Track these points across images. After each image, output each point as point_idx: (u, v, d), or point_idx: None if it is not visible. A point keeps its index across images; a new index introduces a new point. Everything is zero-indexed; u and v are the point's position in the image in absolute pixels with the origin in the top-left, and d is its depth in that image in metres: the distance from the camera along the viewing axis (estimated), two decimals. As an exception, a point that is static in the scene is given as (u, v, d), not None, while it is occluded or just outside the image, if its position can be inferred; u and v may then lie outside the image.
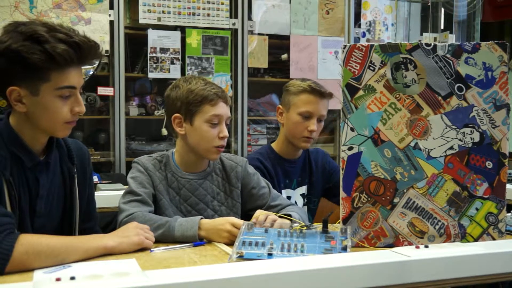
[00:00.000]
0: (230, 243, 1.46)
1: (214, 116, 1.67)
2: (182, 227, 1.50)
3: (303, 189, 2.15)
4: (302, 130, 2.03)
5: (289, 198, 2.07)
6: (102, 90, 3.49)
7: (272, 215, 1.57)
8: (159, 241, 1.48)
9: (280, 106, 2.12)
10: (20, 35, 1.28)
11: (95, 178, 2.54)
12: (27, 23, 1.31)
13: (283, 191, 2.07)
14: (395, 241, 1.48)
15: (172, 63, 3.66)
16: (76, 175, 1.51)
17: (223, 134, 1.68)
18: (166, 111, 1.78)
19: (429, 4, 4.66)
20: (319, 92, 2.02)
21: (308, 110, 2.02)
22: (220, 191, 1.77)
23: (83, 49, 1.33)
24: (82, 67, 1.39)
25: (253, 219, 1.55)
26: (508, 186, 1.55)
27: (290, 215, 1.65)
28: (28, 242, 1.19)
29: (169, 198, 1.70)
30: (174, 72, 3.67)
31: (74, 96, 1.36)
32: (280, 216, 1.62)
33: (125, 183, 1.92)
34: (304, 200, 2.15)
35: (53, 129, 1.37)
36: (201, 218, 1.54)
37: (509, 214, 1.72)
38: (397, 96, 1.48)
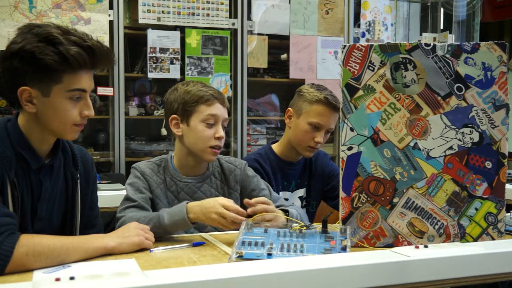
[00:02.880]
0: (220, 227, 1.49)
1: (210, 116, 1.68)
2: (170, 214, 1.51)
3: (301, 192, 2.14)
4: (309, 140, 2.02)
5: (286, 200, 2.06)
6: (102, 90, 3.49)
7: (267, 215, 1.56)
8: (157, 239, 1.48)
9: (290, 109, 2.09)
10: (34, 37, 1.29)
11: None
12: (41, 25, 1.32)
13: (280, 193, 2.07)
14: (395, 241, 1.48)
15: (172, 63, 3.66)
16: (79, 181, 1.51)
17: (219, 135, 1.68)
18: (165, 114, 1.79)
19: (429, 4, 4.66)
20: (333, 106, 2.00)
21: (319, 122, 2.00)
22: (219, 194, 1.77)
23: (96, 53, 1.34)
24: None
25: (249, 209, 1.53)
26: (507, 186, 1.56)
27: (287, 211, 1.66)
28: (29, 243, 1.19)
29: (168, 201, 1.70)
30: (174, 72, 3.67)
31: (84, 99, 1.37)
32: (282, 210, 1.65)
33: (124, 183, 1.92)
34: (302, 203, 2.15)
35: (61, 131, 1.38)
36: (188, 202, 1.53)
37: (509, 214, 1.72)
38: (397, 96, 1.48)
